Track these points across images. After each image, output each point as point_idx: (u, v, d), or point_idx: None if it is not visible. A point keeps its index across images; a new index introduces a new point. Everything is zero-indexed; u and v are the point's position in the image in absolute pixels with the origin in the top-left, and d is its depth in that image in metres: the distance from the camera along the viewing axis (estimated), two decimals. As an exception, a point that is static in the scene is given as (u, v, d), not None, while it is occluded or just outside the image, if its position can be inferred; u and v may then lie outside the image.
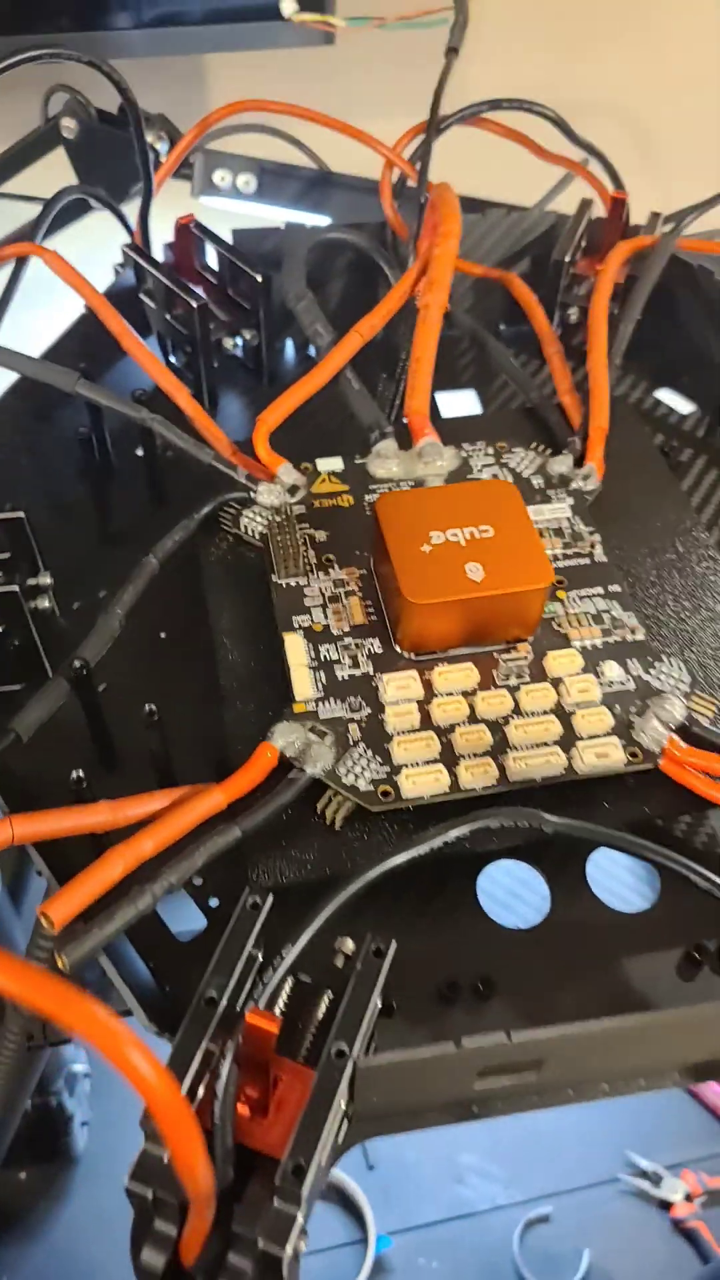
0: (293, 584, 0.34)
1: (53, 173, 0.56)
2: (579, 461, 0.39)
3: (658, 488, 0.40)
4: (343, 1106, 0.23)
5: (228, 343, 0.46)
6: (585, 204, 0.49)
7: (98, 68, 0.44)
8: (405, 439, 0.39)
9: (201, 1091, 0.23)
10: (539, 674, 0.33)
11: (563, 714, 0.32)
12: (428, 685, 0.32)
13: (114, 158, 0.53)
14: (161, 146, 0.57)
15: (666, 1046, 0.29)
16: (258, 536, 0.36)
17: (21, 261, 0.44)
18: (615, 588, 0.35)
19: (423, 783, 0.30)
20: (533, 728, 0.31)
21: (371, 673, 0.32)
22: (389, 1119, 0.27)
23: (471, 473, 0.39)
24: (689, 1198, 0.74)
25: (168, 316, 0.45)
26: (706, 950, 0.29)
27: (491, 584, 0.31)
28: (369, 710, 0.31)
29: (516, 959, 0.29)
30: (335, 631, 0.33)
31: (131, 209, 0.48)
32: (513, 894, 0.31)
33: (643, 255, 0.47)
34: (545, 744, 0.31)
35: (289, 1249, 0.21)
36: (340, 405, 0.41)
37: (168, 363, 0.46)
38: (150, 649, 0.36)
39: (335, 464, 0.38)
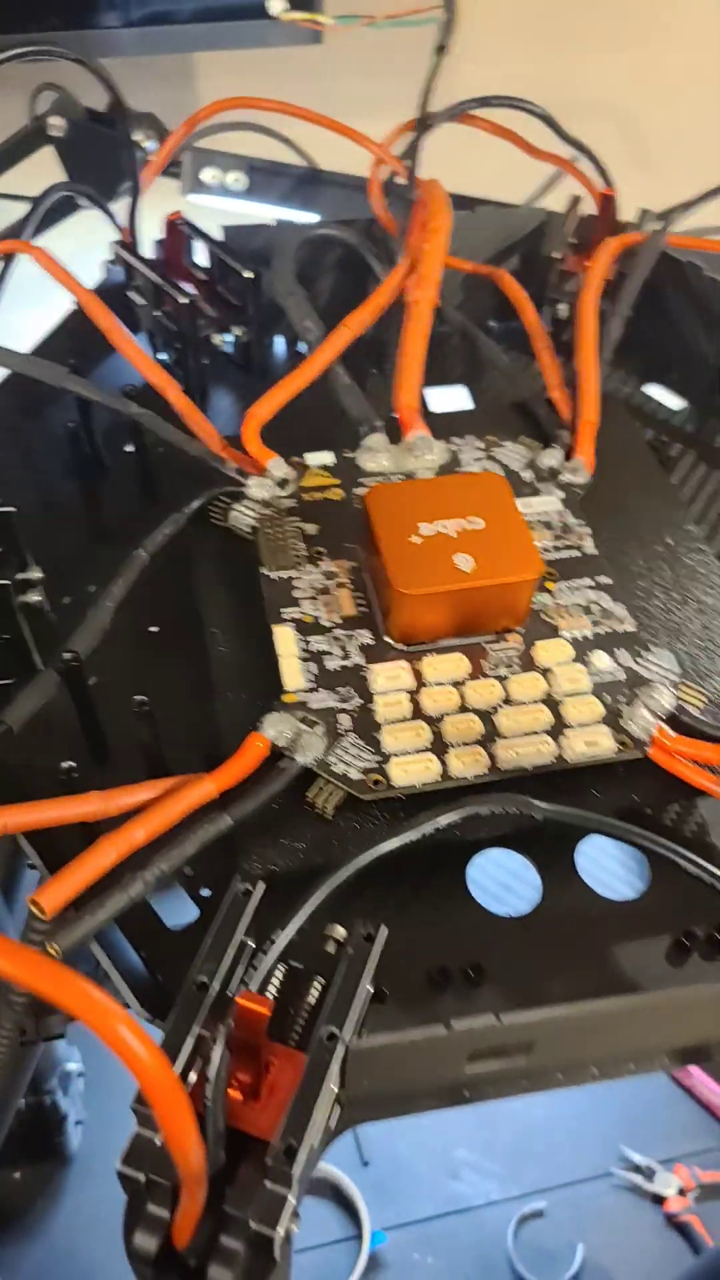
0: (283, 576, 0.35)
1: (43, 170, 0.56)
2: (568, 455, 0.39)
3: (648, 482, 0.40)
4: (334, 1090, 0.23)
5: (217, 339, 0.46)
6: (575, 201, 0.49)
7: (86, 65, 0.44)
8: (395, 433, 0.39)
9: (194, 1077, 0.23)
10: (529, 663, 0.33)
11: (552, 703, 0.32)
12: (418, 675, 0.32)
13: (103, 156, 0.53)
14: (150, 145, 0.57)
15: (655, 1030, 0.29)
16: (248, 529, 0.36)
17: (10, 259, 0.44)
18: (605, 579, 0.35)
19: (413, 771, 0.30)
20: (523, 716, 0.31)
21: (362, 664, 0.32)
22: (381, 1103, 0.27)
23: (461, 466, 0.39)
24: (682, 1192, 0.74)
25: (156, 313, 0.45)
26: (696, 936, 0.29)
27: (481, 575, 0.32)
28: (359, 700, 0.31)
29: (507, 946, 0.29)
30: (325, 623, 0.33)
31: (121, 207, 0.49)
32: (503, 885, 0.31)
33: (632, 252, 0.47)
34: (535, 732, 0.31)
35: (280, 1229, 0.21)
36: (330, 400, 0.41)
37: (157, 359, 0.46)
38: (141, 641, 0.36)
39: (326, 458, 0.39)
